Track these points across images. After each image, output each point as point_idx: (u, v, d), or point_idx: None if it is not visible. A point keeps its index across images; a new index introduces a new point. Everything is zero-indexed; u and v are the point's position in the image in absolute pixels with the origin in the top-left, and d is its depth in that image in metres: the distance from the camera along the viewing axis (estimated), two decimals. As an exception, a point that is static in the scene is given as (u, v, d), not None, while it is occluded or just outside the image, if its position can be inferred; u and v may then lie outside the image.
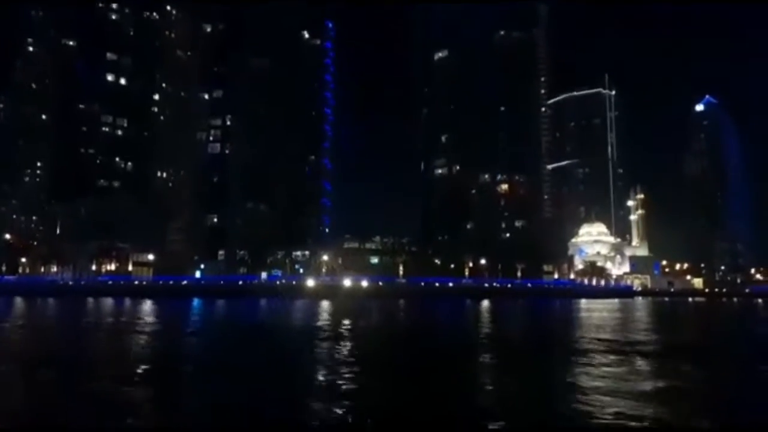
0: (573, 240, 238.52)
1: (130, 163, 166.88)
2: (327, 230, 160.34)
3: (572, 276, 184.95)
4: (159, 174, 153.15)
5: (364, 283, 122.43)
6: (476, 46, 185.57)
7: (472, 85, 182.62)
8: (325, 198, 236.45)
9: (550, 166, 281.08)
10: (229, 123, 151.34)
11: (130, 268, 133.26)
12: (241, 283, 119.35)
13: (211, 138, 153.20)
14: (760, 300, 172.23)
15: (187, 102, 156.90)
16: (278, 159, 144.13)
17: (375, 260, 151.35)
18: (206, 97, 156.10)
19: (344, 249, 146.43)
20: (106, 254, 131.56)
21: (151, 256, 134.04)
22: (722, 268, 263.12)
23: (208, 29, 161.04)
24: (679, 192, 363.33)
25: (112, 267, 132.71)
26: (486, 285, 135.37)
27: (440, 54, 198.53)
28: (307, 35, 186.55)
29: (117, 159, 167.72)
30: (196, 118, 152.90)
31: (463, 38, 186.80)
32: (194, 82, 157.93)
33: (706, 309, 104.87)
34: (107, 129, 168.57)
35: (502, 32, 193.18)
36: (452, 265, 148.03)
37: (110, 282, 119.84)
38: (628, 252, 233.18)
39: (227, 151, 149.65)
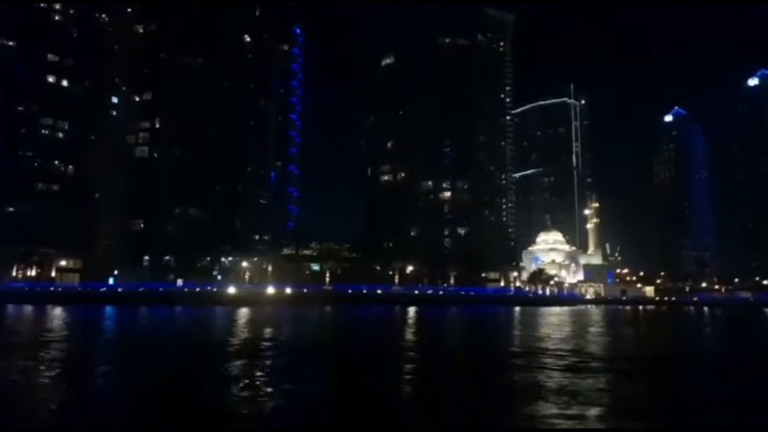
0: (529, 248, 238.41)
1: (70, 167, 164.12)
2: (266, 237, 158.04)
3: (518, 284, 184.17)
4: (90, 178, 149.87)
5: (288, 290, 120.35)
6: (421, 53, 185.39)
7: (417, 92, 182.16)
8: (291, 205, 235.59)
9: (515, 175, 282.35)
10: (158, 126, 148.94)
11: (53, 273, 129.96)
12: (161, 289, 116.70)
13: (139, 141, 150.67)
14: (705, 308, 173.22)
15: (122, 104, 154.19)
16: (210, 163, 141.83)
17: (315, 267, 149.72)
18: (136, 99, 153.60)
19: (280, 255, 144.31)
20: (27, 260, 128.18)
21: (76, 262, 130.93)
22: (687, 277, 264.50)
23: (143, 29, 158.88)
24: (645, 201, 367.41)
25: (33, 273, 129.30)
26: (416, 292, 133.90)
27: (387, 60, 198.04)
28: (265, 38, 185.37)
29: (56, 162, 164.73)
30: (127, 120, 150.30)
31: (410, 44, 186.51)
32: (131, 84, 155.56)
33: (630, 316, 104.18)
34: (47, 131, 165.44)
35: (447, 39, 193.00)
36: (390, 272, 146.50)
37: (26, 288, 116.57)
38: (583, 260, 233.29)
39: (155, 155, 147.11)
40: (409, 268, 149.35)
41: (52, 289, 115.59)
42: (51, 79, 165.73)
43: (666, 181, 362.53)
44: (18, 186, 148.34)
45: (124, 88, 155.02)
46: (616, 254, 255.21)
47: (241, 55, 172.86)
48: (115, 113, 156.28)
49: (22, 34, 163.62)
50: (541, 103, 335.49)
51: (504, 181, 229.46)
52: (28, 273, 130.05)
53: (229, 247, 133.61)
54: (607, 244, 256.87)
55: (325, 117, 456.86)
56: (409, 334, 48.71)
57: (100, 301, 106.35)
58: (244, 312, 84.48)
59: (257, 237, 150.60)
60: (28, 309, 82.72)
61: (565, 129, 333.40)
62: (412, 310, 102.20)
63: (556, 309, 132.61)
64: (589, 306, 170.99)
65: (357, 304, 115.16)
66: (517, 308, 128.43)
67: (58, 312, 75.22)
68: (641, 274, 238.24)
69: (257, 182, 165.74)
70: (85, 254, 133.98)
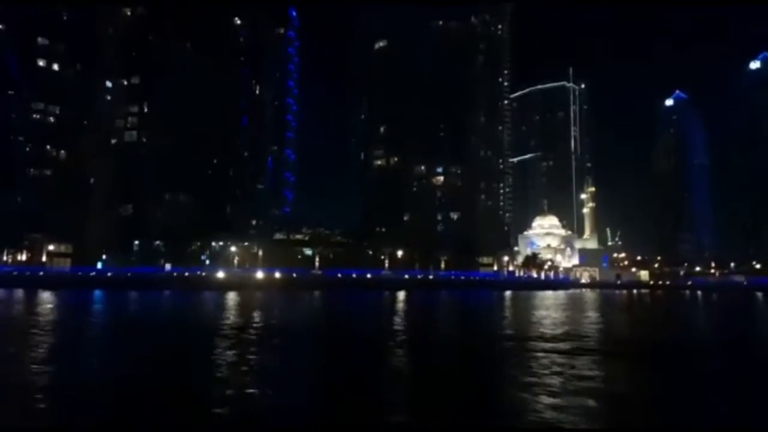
0: (525, 233, 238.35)
1: (63, 152, 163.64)
2: (259, 222, 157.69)
3: (511, 269, 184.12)
4: (82, 163, 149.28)
5: (277, 275, 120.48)
6: (415, 36, 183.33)
7: (411, 76, 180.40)
8: (287, 190, 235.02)
9: (513, 159, 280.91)
10: (146, 110, 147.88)
11: (43, 258, 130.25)
12: (150, 274, 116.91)
13: (128, 125, 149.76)
14: (698, 291, 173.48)
15: (113, 89, 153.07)
16: (201, 148, 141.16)
17: (307, 252, 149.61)
18: (125, 83, 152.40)
19: (271, 240, 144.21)
20: (17, 244, 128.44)
21: (66, 247, 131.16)
22: (683, 262, 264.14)
23: (132, 12, 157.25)
24: (645, 185, 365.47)
25: (23, 258, 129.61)
26: (406, 276, 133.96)
27: (380, 44, 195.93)
28: (261, 23, 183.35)
29: (48, 147, 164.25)
30: (118, 105, 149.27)
31: (404, 28, 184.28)
32: (121, 68, 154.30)
33: (622, 301, 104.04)
34: (38, 116, 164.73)
35: (441, 22, 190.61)
36: (382, 257, 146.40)
37: (15, 273, 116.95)
38: (578, 245, 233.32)
39: (144, 139, 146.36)
40: (401, 253, 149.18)
41: (41, 273, 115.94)
42: (42, 63, 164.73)
43: (666, 167, 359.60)
44: (9, 171, 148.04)
45: (114, 73, 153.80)
46: (617, 239, 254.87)
47: (234, 38, 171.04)
48: (107, 98, 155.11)
49: (11, 18, 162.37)
50: (540, 87, 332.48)
51: (501, 166, 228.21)
52: (19, 258, 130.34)
53: (221, 232, 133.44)
54: (608, 229, 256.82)
55: (322, 104, 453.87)
56: (395, 320, 48.41)
57: (89, 285, 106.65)
58: (231, 296, 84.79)
59: (250, 222, 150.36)
60: (17, 293, 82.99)
61: (564, 113, 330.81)
62: (401, 295, 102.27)
63: (549, 293, 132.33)
64: (583, 290, 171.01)
65: (347, 289, 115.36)
66: (508, 293, 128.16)
67: (45, 297, 75.46)
68: (639, 258, 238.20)
69: (252, 167, 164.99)
70: (75, 239, 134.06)
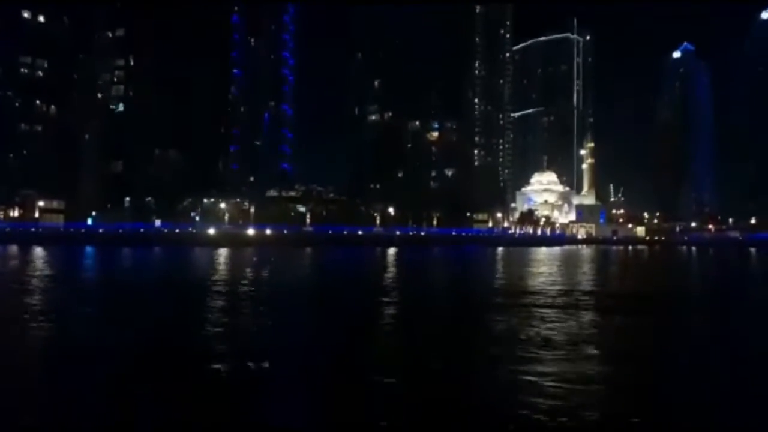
0: (523, 189, 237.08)
1: (52, 107, 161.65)
2: (251, 178, 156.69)
3: (506, 225, 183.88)
4: (72, 118, 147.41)
5: (268, 232, 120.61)
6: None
7: (407, 27, 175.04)
8: (285, 145, 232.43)
9: (514, 114, 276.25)
10: (132, 63, 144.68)
11: (36, 215, 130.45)
12: (142, 230, 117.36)
13: (115, 80, 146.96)
14: (693, 247, 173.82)
15: (100, 42, 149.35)
16: (192, 103, 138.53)
17: (300, 209, 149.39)
18: (109, 35, 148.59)
19: (263, 197, 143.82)
20: (9, 200, 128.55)
21: (59, 203, 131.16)
22: (683, 218, 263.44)
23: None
24: (647, 141, 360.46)
25: (16, 214, 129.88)
26: (398, 233, 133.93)
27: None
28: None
29: (38, 102, 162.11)
30: (105, 59, 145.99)
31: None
32: (108, 20, 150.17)
33: (616, 257, 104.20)
34: (26, 70, 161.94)
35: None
36: (374, 214, 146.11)
37: (8, 229, 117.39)
38: (576, 201, 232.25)
39: (131, 93, 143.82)
40: (393, 210, 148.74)
41: (33, 229, 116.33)
42: (26, 15, 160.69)
43: (669, 121, 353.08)
44: (6, 127, 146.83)
45: (101, 25, 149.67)
46: (620, 195, 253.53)
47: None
48: (94, 51, 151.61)
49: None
50: (543, 38, 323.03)
51: (502, 122, 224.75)
52: (11, 214, 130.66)
53: (212, 188, 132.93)
54: (611, 185, 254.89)
55: (317, 60, 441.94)
56: (385, 276, 48.37)
57: (80, 242, 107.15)
58: (220, 252, 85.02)
59: (248, 179, 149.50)
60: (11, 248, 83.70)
61: (567, 66, 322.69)
62: (392, 252, 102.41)
63: (543, 250, 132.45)
64: (578, 246, 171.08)
65: (337, 246, 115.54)
66: (500, 249, 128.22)
67: (38, 252, 75.88)
68: (644, 214, 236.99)
69: (248, 122, 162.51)
70: (67, 196, 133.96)
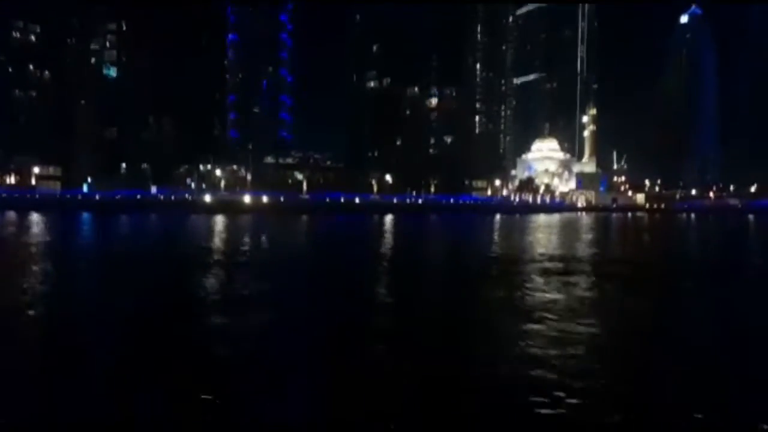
0: (523, 156, 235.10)
1: (46, 72, 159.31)
2: (249, 145, 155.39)
3: (505, 192, 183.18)
4: (67, 84, 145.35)
5: (265, 199, 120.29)
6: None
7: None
8: (284, 113, 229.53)
9: (516, 80, 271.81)
10: (125, 28, 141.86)
11: (33, 182, 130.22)
12: (138, 197, 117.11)
13: (107, 45, 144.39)
14: (692, 214, 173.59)
15: (91, 6, 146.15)
16: (187, 69, 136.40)
17: (298, 176, 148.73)
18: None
19: (261, 164, 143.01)
20: (5, 167, 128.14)
21: (55, 170, 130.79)
22: (685, 186, 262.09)
23: None
24: (651, 109, 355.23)
25: (12, 180, 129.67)
26: (395, 200, 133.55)
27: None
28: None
29: (31, 67, 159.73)
30: (95, 23, 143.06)
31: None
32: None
33: (613, 224, 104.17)
34: (18, 34, 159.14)
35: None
36: (372, 181, 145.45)
37: (4, 195, 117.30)
38: (577, 168, 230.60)
39: (123, 59, 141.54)
40: (391, 178, 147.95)
41: (28, 196, 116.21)
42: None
43: (675, 87, 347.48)
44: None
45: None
46: (623, 163, 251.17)
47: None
48: (86, 16, 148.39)
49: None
50: (547, 3, 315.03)
51: (503, 88, 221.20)
52: (8, 181, 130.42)
53: (208, 154, 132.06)
54: (615, 152, 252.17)
55: (315, 25, 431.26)
56: (380, 244, 48.31)
57: (76, 208, 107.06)
58: (217, 220, 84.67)
59: (240, 145, 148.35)
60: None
61: (571, 32, 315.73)
62: (388, 219, 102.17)
63: (541, 217, 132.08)
64: (578, 214, 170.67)
65: (334, 214, 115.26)
66: (498, 217, 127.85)
67: (34, 218, 75.76)
68: (645, 182, 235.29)
69: (245, 88, 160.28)
70: (63, 162, 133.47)
